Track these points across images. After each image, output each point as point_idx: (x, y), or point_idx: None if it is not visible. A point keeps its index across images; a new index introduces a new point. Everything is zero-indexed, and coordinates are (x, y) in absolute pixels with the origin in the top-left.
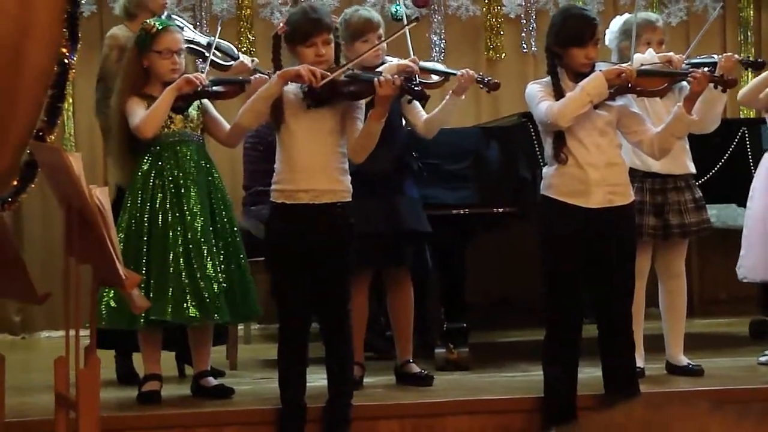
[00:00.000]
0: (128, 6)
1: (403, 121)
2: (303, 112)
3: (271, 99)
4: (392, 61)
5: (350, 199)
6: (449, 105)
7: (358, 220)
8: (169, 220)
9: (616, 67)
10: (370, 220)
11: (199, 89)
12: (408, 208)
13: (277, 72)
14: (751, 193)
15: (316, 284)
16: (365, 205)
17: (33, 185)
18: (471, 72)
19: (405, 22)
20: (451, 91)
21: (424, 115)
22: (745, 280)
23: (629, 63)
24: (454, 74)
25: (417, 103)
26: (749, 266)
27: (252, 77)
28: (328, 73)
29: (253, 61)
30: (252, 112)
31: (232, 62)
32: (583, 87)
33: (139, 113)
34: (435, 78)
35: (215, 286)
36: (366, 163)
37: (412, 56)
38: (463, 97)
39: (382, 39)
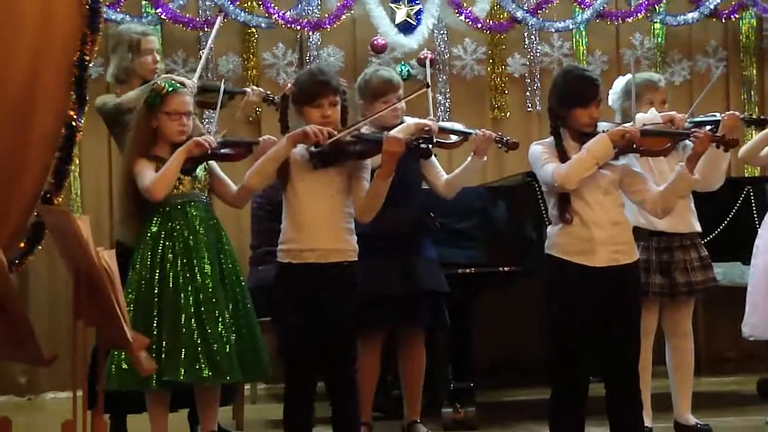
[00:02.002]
0: (117, 73)
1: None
2: (309, 172)
3: (279, 161)
4: (410, 121)
5: (356, 259)
6: (471, 166)
7: (376, 280)
8: (180, 281)
9: (620, 128)
10: (387, 281)
11: (209, 152)
12: (426, 269)
13: (286, 135)
14: (755, 251)
15: (323, 343)
16: (383, 265)
17: (39, 247)
18: (490, 132)
19: (428, 79)
20: (473, 153)
21: (444, 175)
22: (751, 338)
23: (632, 123)
24: (472, 133)
25: (437, 164)
26: (754, 324)
27: (260, 139)
28: (335, 132)
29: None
30: (260, 175)
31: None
32: (588, 149)
33: (148, 175)
34: (453, 138)
35: (226, 346)
36: (384, 223)
37: (431, 116)
38: (485, 158)
39: (400, 99)
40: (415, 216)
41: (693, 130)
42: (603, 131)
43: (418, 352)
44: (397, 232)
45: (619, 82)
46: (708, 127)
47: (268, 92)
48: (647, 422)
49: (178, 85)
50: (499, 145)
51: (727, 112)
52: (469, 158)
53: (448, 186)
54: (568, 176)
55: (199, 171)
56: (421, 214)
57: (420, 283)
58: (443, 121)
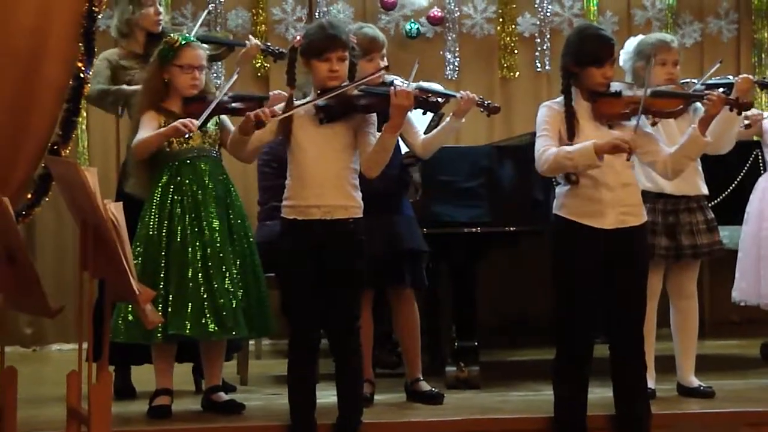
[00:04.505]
0: (120, 26)
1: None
2: (315, 127)
3: (242, 144)
4: (395, 80)
5: (361, 216)
6: (449, 127)
7: None
8: (188, 234)
9: (613, 141)
10: (372, 241)
11: (185, 136)
12: (406, 228)
13: (237, 127)
14: (746, 217)
15: (327, 300)
16: (368, 226)
17: (47, 198)
18: (471, 94)
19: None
20: (452, 114)
21: (421, 135)
22: (741, 304)
23: (645, 86)
24: (454, 96)
25: (414, 123)
26: (744, 289)
27: (270, 94)
28: (277, 111)
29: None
30: (233, 150)
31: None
32: (572, 155)
33: (142, 133)
34: (437, 100)
35: (233, 301)
36: (368, 182)
37: (411, 81)
38: (463, 120)
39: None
40: (395, 174)
41: (706, 92)
42: (615, 91)
43: (410, 309)
44: (379, 190)
45: (631, 42)
46: (720, 90)
47: (268, 43)
48: (651, 384)
49: (192, 38)
50: (481, 109)
51: (740, 75)
52: (448, 119)
53: (425, 146)
54: (543, 169)
55: (211, 125)
56: (400, 172)
57: (403, 243)
58: (450, 80)
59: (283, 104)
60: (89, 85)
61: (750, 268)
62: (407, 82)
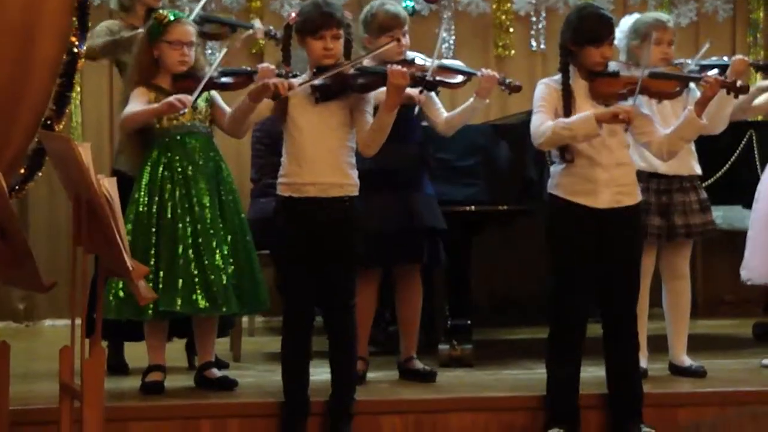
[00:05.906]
0: None
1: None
2: (311, 106)
3: (247, 115)
4: (417, 57)
5: (357, 194)
6: (471, 106)
7: (377, 216)
8: (178, 211)
9: (613, 109)
10: (389, 218)
11: (180, 113)
12: (426, 206)
13: (248, 92)
14: (756, 196)
15: (322, 278)
16: (384, 202)
17: (40, 174)
18: (493, 72)
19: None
20: (475, 93)
21: (444, 112)
22: (749, 282)
23: (642, 66)
24: (475, 74)
25: (437, 101)
26: (753, 268)
27: (258, 67)
28: (294, 82)
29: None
30: (233, 122)
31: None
32: (571, 125)
33: (131, 106)
34: (459, 78)
35: (224, 277)
36: (386, 159)
37: (436, 57)
38: (487, 100)
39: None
40: (415, 151)
41: (704, 75)
42: (613, 71)
43: (416, 289)
44: (398, 167)
45: (627, 21)
46: (715, 71)
47: (271, 27)
48: (643, 363)
49: (181, 14)
50: (503, 87)
51: (736, 56)
52: (472, 99)
53: (448, 124)
54: (540, 140)
55: (201, 102)
56: (420, 150)
57: (420, 220)
58: (445, 57)
59: (298, 79)
60: (83, 56)
61: (761, 246)
62: (429, 59)
